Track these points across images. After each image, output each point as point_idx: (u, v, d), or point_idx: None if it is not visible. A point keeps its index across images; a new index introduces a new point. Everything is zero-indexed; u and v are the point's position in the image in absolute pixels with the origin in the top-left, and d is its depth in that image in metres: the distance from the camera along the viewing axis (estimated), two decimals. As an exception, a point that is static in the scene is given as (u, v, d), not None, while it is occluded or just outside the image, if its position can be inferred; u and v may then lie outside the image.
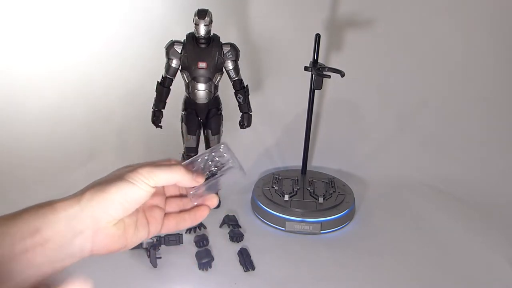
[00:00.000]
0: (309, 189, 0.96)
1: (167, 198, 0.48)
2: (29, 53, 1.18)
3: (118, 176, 0.41)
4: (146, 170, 0.41)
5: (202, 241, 0.82)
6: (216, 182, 0.46)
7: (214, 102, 0.89)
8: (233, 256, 0.79)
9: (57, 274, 0.38)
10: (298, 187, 0.97)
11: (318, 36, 0.91)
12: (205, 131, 0.91)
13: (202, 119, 0.90)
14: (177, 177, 0.43)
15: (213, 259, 0.77)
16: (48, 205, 0.39)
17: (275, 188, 0.97)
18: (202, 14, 0.81)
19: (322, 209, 0.89)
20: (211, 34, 0.85)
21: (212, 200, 0.48)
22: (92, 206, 0.39)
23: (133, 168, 0.41)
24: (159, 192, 0.47)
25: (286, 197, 0.92)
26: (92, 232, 0.39)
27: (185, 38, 0.86)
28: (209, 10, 0.82)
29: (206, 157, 0.46)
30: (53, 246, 0.37)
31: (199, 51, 0.84)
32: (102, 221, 0.40)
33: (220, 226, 0.89)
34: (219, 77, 0.88)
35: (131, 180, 0.40)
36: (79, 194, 0.40)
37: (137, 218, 0.44)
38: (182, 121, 0.90)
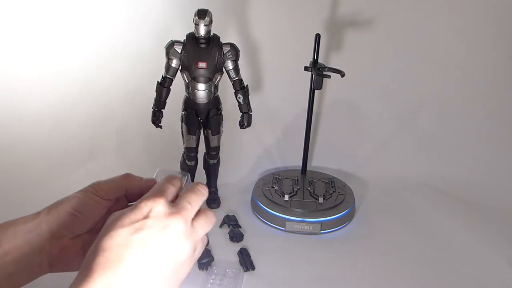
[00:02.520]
0: (309, 189, 0.96)
1: None
2: (29, 53, 1.18)
3: (75, 193, 0.43)
4: (95, 182, 0.43)
5: (202, 241, 0.81)
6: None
7: (214, 102, 0.89)
8: (233, 256, 0.79)
9: None
10: (298, 187, 0.97)
11: (318, 36, 0.91)
12: (205, 131, 0.91)
13: (202, 119, 0.90)
14: (123, 182, 0.45)
15: (213, 259, 0.77)
16: (10, 221, 0.40)
17: (275, 188, 0.97)
18: (202, 14, 0.81)
19: (322, 209, 0.89)
20: (211, 34, 0.85)
21: None
22: (48, 219, 0.41)
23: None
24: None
25: (286, 197, 0.92)
26: (49, 245, 0.40)
27: (185, 38, 0.86)
28: (209, 10, 0.82)
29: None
30: (12, 260, 0.38)
31: (199, 51, 0.84)
32: (58, 233, 0.41)
33: (220, 226, 0.89)
34: (219, 77, 0.88)
35: (79, 192, 0.42)
36: (40, 211, 0.41)
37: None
38: (182, 121, 0.90)
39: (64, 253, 0.41)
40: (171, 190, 0.39)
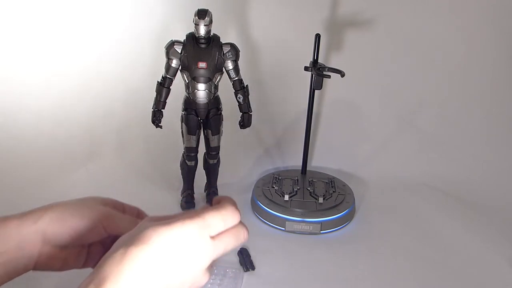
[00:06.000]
0: (309, 189, 0.96)
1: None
2: (29, 54, 1.18)
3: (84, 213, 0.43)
4: (110, 214, 0.43)
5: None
6: None
7: (214, 102, 0.89)
8: (233, 256, 0.79)
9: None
10: (298, 187, 0.97)
11: (318, 36, 0.91)
12: (205, 131, 0.91)
13: (202, 119, 0.90)
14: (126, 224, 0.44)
15: (213, 259, 0.77)
16: (2, 219, 0.40)
17: (275, 188, 0.97)
18: (202, 14, 0.81)
19: (322, 209, 0.89)
20: (211, 34, 0.85)
21: None
22: (45, 230, 0.41)
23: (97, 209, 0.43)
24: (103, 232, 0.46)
25: (286, 197, 0.92)
26: (39, 253, 0.41)
27: (185, 38, 0.86)
28: (209, 10, 0.82)
29: None
30: (2, 261, 0.39)
31: (199, 51, 0.84)
32: (51, 244, 0.41)
33: (220, 226, 0.89)
34: (219, 77, 0.88)
35: (88, 218, 0.42)
36: (37, 214, 0.41)
37: (81, 249, 0.45)
38: (182, 121, 0.90)
39: (50, 259, 0.42)
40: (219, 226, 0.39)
